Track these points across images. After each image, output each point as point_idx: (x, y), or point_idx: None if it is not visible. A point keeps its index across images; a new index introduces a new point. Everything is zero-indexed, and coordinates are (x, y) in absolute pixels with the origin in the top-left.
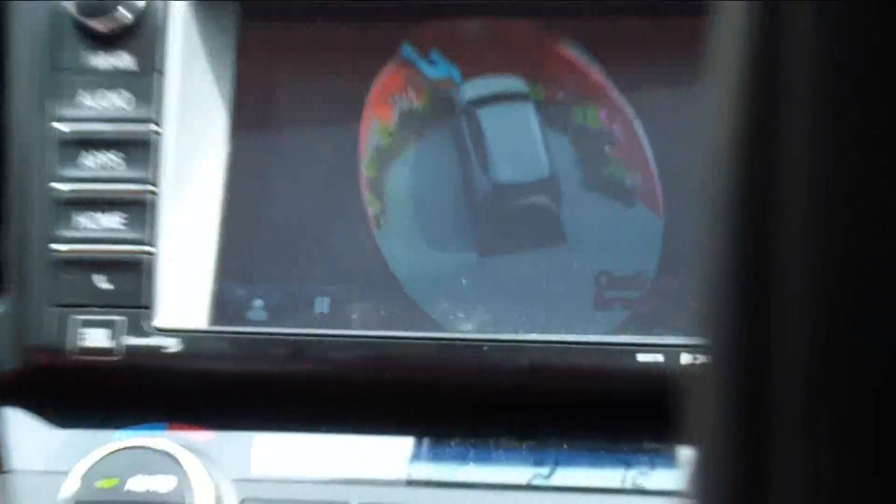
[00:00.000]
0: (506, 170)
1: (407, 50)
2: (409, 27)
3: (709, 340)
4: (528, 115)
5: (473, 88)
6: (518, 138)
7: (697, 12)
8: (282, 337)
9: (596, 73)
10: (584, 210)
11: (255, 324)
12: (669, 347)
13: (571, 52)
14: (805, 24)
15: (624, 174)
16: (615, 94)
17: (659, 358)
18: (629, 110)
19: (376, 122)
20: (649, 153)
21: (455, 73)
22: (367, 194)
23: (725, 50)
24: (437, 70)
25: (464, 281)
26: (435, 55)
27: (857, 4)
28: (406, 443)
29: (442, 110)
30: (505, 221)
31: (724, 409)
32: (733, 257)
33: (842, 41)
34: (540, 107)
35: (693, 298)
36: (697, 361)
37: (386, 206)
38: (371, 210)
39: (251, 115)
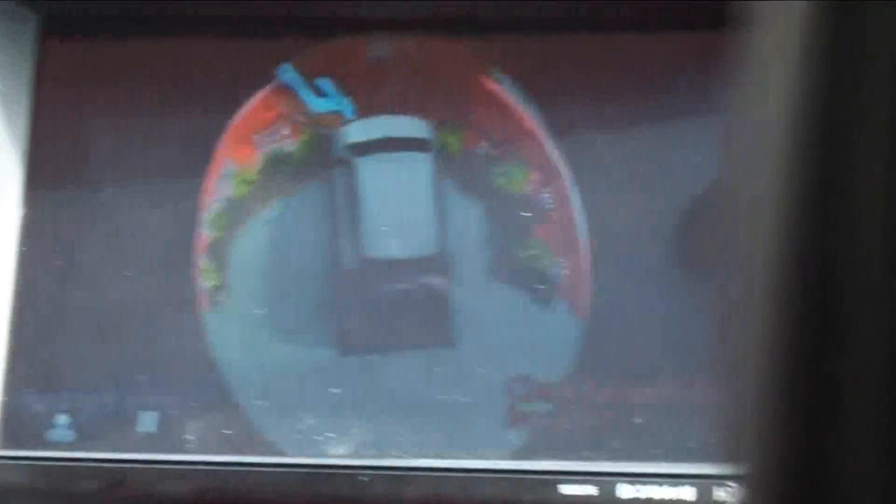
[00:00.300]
0: (380, 241)
1: (287, 73)
2: (291, 45)
3: (753, 469)
4: (420, 170)
5: (359, 130)
6: (403, 200)
7: (680, 27)
8: (95, 464)
9: (530, 119)
10: (482, 303)
11: (60, 447)
12: (603, 476)
13: (502, 88)
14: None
15: (546, 261)
16: (551, 149)
17: (591, 490)
18: (566, 174)
19: (232, 167)
20: (583, 235)
21: (348, 107)
22: (203, 262)
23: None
24: (325, 102)
25: (335, 390)
26: (323, 83)
27: None
28: None
29: (325, 157)
30: (373, 310)
31: None
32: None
33: None
34: (448, 159)
35: (710, 418)
36: (729, 495)
37: (227, 279)
38: (207, 282)
39: (53, 159)
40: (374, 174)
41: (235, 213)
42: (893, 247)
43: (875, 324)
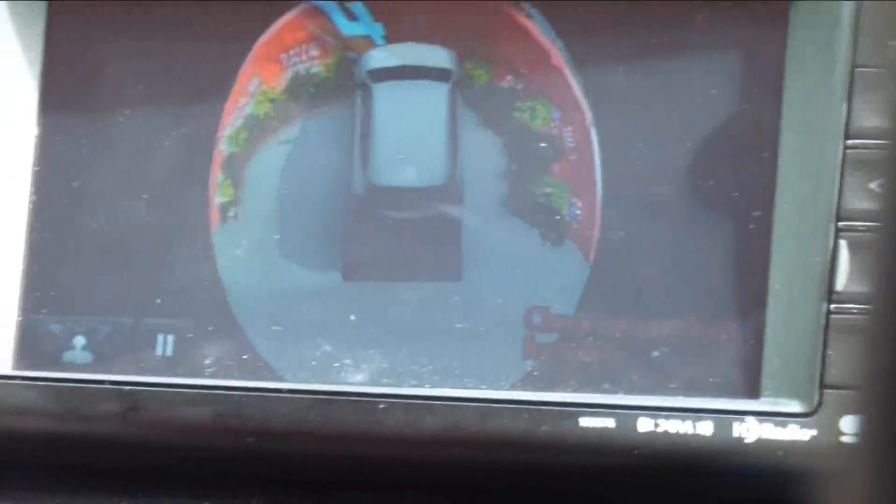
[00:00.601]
0: (389, 169)
1: None
2: None
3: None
4: (438, 99)
5: (381, 56)
6: (417, 129)
7: None
8: (112, 386)
9: (557, 54)
10: (493, 238)
11: (76, 368)
12: (623, 409)
13: (532, 23)
14: None
15: (562, 200)
16: (576, 87)
17: (609, 423)
18: (588, 113)
19: (256, 84)
20: (598, 177)
21: (378, 32)
22: (218, 176)
23: None
24: (356, 26)
25: (352, 317)
26: (356, 6)
27: None
28: None
29: (349, 81)
30: (379, 238)
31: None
32: None
33: None
34: (472, 90)
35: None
36: (852, 439)
37: (239, 195)
38: (219, 198)
39: (69, 80)
40: (390, 101)
41: (255, 130)
42: None
43: None
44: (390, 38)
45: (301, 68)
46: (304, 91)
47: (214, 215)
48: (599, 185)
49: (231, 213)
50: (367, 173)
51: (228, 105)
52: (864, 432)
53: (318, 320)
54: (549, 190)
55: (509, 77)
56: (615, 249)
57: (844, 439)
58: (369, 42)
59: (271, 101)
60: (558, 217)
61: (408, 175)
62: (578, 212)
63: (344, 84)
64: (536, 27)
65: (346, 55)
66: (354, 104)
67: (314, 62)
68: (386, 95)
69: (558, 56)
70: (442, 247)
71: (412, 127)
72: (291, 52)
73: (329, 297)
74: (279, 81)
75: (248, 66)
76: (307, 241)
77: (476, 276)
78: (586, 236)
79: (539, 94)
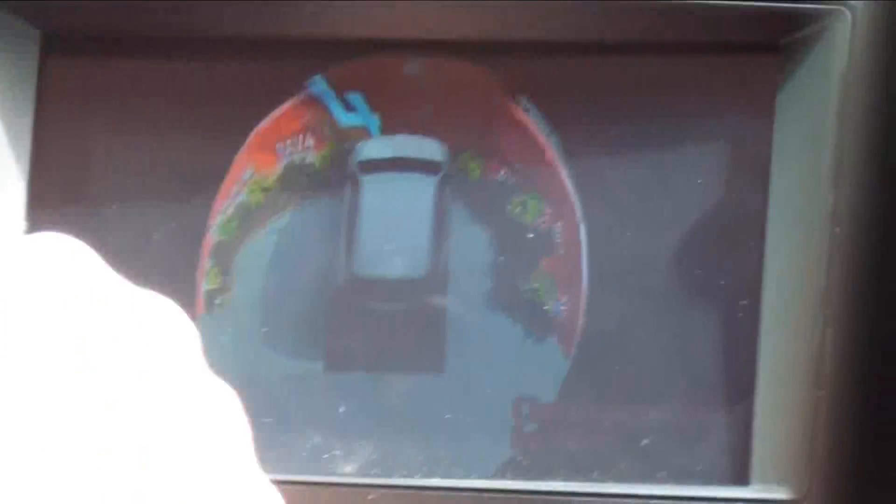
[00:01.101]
0: (369, 260)
1: (317, 84)
2: (321, 61)
3: (807, 493)
4: (425, 192)
5: (372, 147)
6: (404, 222)
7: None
8: None
9: (551, 150)
10: (476, 333)
11: None
12: (613, 498)
13: (527, 117)
14: None
15: (549, 296)
16: (568, 183)
17: None
18: (577, 209)
19: (251, 172)
20: (584, 272)
21: (374, 123)
22: (206, 264)
23: None
24: (353, 117)
25: (341, 409)
26: (354, 97)
27: None
28: None
29: (343, 171)
30: (361, 329)
31: None
32: None
33: None
34: (464, 183)
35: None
36: None
37: (230, 284)
38: (206, 285)
39: (58, 175)
40: (378, 192)
41: (246, 218)
42: None
43: None
44: (386, 130)
45: (296, 157)
46: (297, 181)
47: (200, 302)
48: (585, 279)
49: (218, 301)
50: (351, 264)
51: (221, 193)
52: None
53: (306, 411)
54: (535, 285)
55: (503, 171)
56: (600, 341)
57: None
58: (365, 133)
59: (264, 190)
60: (543, 314)
61: (391, 267)
62: (564, 308)
63: (338, 175)
64: (531, 122)
65: (342, 146)
66: (344, 195)
67: (309, 152)
68: (374, 187)
69: (552, 152)
70: (426, 339)
71: (398, 219)
72: (288, 141)
73: (313, 387)
74: (273, 170)
75: (242, 155)
76: (292, 333)
77: (459, 369)
78: (570, 332)
79: (532, 188)
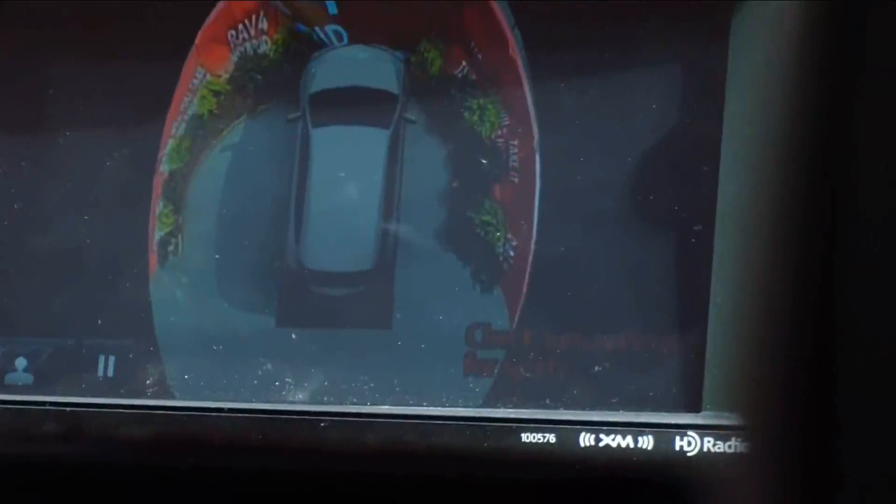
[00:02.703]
0: (316, 253)
1: None
2: None
3: (757, 421)
4: (376, 152)
5: (324, 73)
6: (350, 201)
7: None
8: (53, 408)
9: (514, 45)
10: (423, 285)
11: (18, 390)
12: (565, 424)
13: (496, 4)
14: None
15: (498, 233)
16: (527, 89)
17: (551, 438)
18: (535, 133)
19: (202, 73)
20: (536, 207)
21: (331, 3)
22: (158, 206)
23: None
24: None
25: (293, 335)
26: None
27: None
28: None
29: (298, 59)
30: (311, 302)
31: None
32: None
33: None
34: (424, 83)
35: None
36: (735, 446)
37: (182, 223)
38: (159, 231)
39: (8, 103)
40: (329, 153)
41: (198, 136)
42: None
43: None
44: (341, 9)
45: (248, 47)
46: (251, 78)
47: (153, 259)
48: (536, 212)
49: (171, 248)
50: (300, 255)
51: (172, 110)
52: (747, 441)
53: (258, 342)
54: (487, 217)
55: (463, 63)
56: (553, 268)
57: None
58: (322, 12)
59: (215, 94)
60: (492, 257)
61: (339, 262)
62: (511, 254)
63: (291, 70)
64: (499, 11)
65: (296, 27)
66: (295, 142)
67: (262, 39)
68: (324, 145)
69: (514, 48)
70: (375, 306)
71: (348, 197)
72: (240, 26)
73: (259, 340)
74: (224, 66)
75: (191, 58)
76: (244, 285)
77: (404, 325)
78: (516, 286)
79: (491, 90)
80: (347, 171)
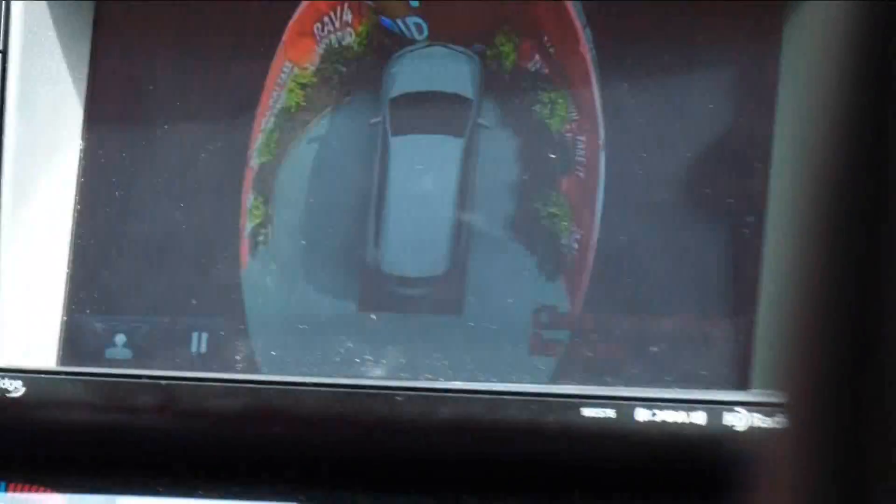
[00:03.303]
0: (393, 259)
1: None
2: None
3: (797, 392)
4: (451, 160)
5: (404, 77)
6: (425, 206)
7: None
8: (149, 381)
9: (584, 42)
10: (494, 267)
11: (117, 364)
12: (622, 401)
13: (573, 7)
14: None
15: (564, 223)
16: (596, 89)
17: (610, 413)
18: (601, 131)
19: (289, 71)
20: (600, 199)
21: None
22: (248, 201)
23: None
24: None
25: (373, 317)
26: None
27: None
28: None
29: (381, 51)
30: (391, 294)
31: (816, 484)
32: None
33: None
34: (499, 76)
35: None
36: (775, 423)
37: (272, 214)
38: (249, 223)
39: (109, 106)
40: (406, 162)
41: (286, 129)
42: None
43: None
44: (422, 2)
45: (333, 39)
46: (336, 70)
47: (245, 251)
48: (600, 204)
49: (261, 238)
50: (378, 260)
51: (261, 105)
52: (788, 419)
53: (340, 323)
54: (553, 210)
55: (536, 56)
56: (616, 256)
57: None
58: (403, 4)
59: (303, 86)
60: (557, 247)
61: (414, 267)
62: (575, 246)
63: (374, 65)
64: (572, 9)
65: (379, 21)
66: (374, 154)
67: (346, 30)
68: (402, 154)
69: (585, 45)
70: (447, 296)
71: (424, 202)
72: (325, 19)
73: (346, 320)
74: (311, 59)
75: (280, 54)
76: (329, 272)
77: (475, 309)
78: (578, 276)
79: (562, 84)
80: (424, 179)
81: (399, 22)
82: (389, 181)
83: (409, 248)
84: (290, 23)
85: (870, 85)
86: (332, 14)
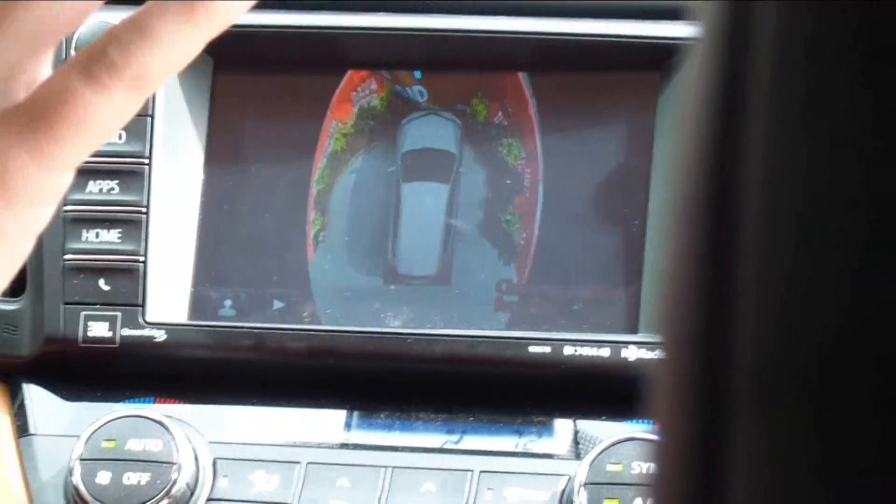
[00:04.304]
0: (403, 262)
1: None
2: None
3: (668, 333)
4: (440, 198)
5: (411, 137)
6: (424, 226)
7: (651, 67)
8: (247, 330)
9: (532, 109)
10: (472, 253)
11: (226, 319)
12: (555, 341)
13: (524, 84)
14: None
15: (515, 230)
16: (538, 137)
17: (546, 349)
18: (541, 161)
19: (335, 126)
20: (538, 213)
21: (417, 71)
22: (312, 214)
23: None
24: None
25: (392, 287)
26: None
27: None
28: (344, 415)
29: (396, 110)
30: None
31: (683, 393)
32: (695, 252)
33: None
34: (476, 128)
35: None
36: (656, 355)
37: (327, 222)
38: (313, 230)
39: (221, 149)
40: (412, 199)
41: (335, 164)
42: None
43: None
44: (424, 73)
45: (364, 102)
46: (366, 125)
47: (310, 248)
48: (538, 217)
49: (321, 239)
50: (393, 262)
51: (318, 152)
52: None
53: (372, 291)
54: (509, 218)
55: (499, 114)
56: (550, 248)
57: None
58: (410, 76)
59: (344, 135)
60: (512, 241)
61: (418, 268)
62: (523, 241)
63: (393, 119)
64: (523, 81)
65: (394, 88)
66: (391, 189)
67: (373, 95)
68: (409, 194)
69: (531, 107)
70: (440, 273)
71: (423, 224)
72: (359, 88)
73: (376, 290)
74: (349, 117)
75: (329, 116)
76: (364, 257)
77: (461, 276)
78: (523, 261)
79: (516, 134)
80: (424, 209)
81: (408, 89)
82: (402, 214)
83: (415, 256)
84: (336, 93)
85: (711, 137)
86: (363, 84)
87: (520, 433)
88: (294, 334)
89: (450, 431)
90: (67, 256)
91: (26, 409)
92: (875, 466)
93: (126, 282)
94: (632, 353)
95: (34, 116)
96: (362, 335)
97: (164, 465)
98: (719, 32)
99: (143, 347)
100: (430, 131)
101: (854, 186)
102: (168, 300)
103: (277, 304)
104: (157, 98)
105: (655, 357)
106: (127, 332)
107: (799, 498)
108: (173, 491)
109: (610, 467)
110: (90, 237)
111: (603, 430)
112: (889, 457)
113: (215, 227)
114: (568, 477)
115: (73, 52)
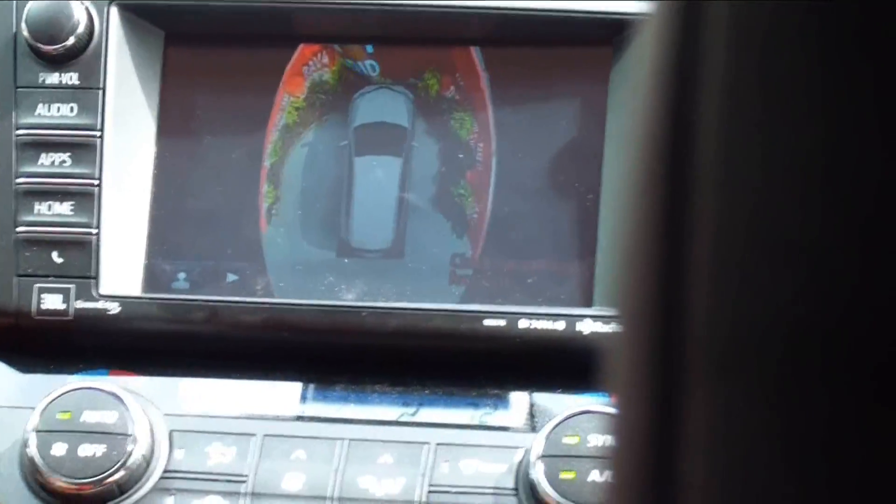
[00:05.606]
0: (356, 235)
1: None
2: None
3: (624, 306)
4: (393, 171)
5: (363, 110)
6: (378, 200)
7: (601, 42)
8: (201, 303)
9: (484, 83)
10: (424, 230)
11: (179, 292)
12: (510, 315)
13: (476, 58)
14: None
15: (468, 203)
16: (490, 111)
17: (501, 322)
18: (493, 135)
19: (287, 100)
20: (491, 187)
21: (369, 45)
22: (265, 188)
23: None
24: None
25: (346, 260)
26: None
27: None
28: (300, 388)
29: (348, 84)
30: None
31: (640, 367)
32: (651, 229)
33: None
34: (427, 101)
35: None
36: (609, 329)
37: (280, 195)
38: (266, 203)
39: (174, 122)
40: (365, 172)
41: (286, 137)
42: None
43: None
44: (375, 50)
45: (316, 76)
46: (318, 99)
47: (263, 222)
48: (491, 191)
49: (274, 213)
50: (346, 234)
51: (270, 125)
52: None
53: (325, 265)
54: (462, 192)
55: (451, 88)
56: (503, 222)
57: None
58: (362, 50)
59: (297, 109)
60: (465, 215)
61: (371, 241)
62: (475, 215)
63: (345, 92)
64: (475, 55)
65: (345, 62)
66: (345, 156)
67: (324, 70)
68: (362, 168)
69: (483, 81)
70: (394, 247)
71: (377, 198)
72: (310, 62)
73: (329, 263)
74: (301, 90)
75: (281, 89)
76: (318, 230)
77: (414, 249)
78: (476, 234)
79: (468, 107)
80: (377, 183)
81: (359, 63)
82: (354, 186)
83: (368, 230)
84: (288, 66)
85: (666, 111)
86: (314, 58)
87: (476, 406)
88: (248, 307)
89: (406, 404)
90: (20, 229)
91: None
92: (832, 440)
93: (79, 254)
94: (586, 327)
95: None
96: (316, 308)
97: (120, 436)
98: (673, 5)
99: (96, 320)
100: (382, 105)
101: (807, 157)
102: (121, 273)
103: (231, 277)
104: (109, 71)
105: (611, 331)
106: (80, 304)
107: (757, 470)
108: (129, 462)
109: (566, 440)
110: (42, 210)
111: (558, 403)
112: (846, 430)
113: (168, 200)
114: (524, 449)
115: (23, 26)
